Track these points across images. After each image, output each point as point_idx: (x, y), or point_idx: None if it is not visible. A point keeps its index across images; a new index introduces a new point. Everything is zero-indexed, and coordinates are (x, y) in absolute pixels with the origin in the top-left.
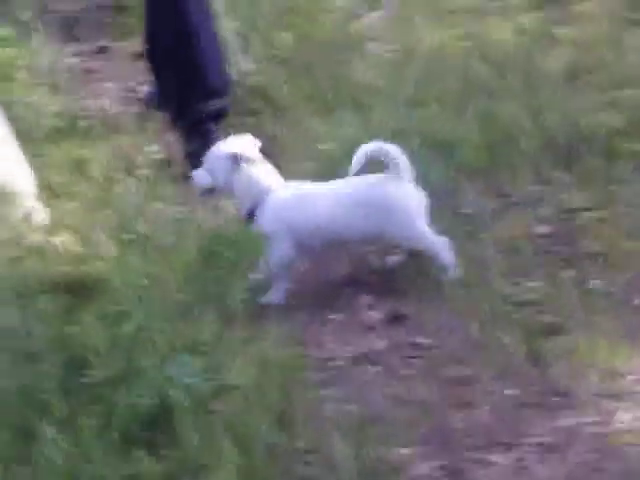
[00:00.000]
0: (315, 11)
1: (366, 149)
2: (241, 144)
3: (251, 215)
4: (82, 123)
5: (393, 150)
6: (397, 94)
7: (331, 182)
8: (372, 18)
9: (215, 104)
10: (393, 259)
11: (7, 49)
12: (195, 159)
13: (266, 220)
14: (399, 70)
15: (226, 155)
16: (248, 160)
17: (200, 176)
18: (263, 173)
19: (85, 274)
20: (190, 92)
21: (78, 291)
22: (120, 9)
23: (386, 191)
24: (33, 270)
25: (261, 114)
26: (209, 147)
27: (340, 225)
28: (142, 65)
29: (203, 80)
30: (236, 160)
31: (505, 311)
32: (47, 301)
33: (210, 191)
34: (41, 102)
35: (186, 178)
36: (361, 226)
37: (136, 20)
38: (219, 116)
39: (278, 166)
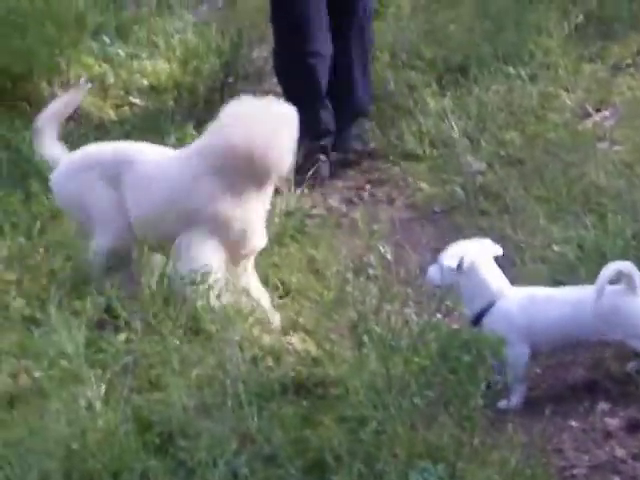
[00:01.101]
0: (544, 110)
1: (615, 268)
2: (475, 247)
3: (479, 318)
4: (310, 222)
5: (635, 272)
6: (633, 196)
7: (564, 288)
8: (601, 117)
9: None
10: (633, 365)
11: None
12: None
13: (497, 324)
14: (632, 170)
15: (455, 257)
16: (475, 264)
17: (432, 274)
18: (492, 277)
19: (322, 376)
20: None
21: (315, 393)
22: None
23: (629, 300)
24: (270, 371)
25: (491, 214)
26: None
27: (580, 331)
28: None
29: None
30: (464, 263)
31: None
32: (285, 403)
33: (442, 289)
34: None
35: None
36: (600, 332)
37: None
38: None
39: (507, 267)
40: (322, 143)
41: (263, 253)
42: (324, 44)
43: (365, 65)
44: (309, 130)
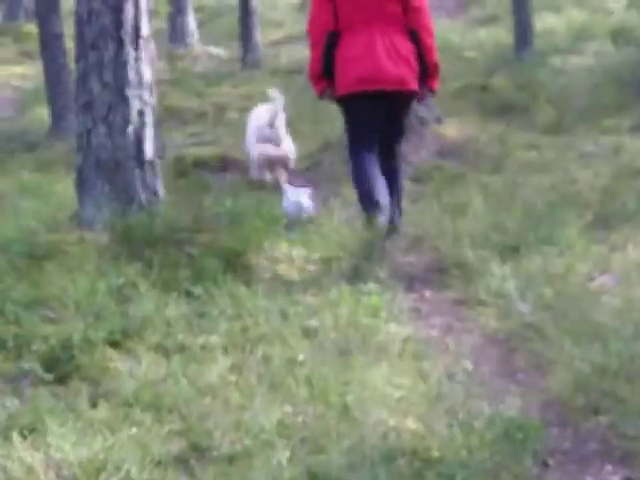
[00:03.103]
0: (567, 275)
1: None
2: None
3: None
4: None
5: None
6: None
7: None
8: (604, 280)
9: None
10: None
11: (372, 297)
12: None
13: None
14: (628, 314)
15: None
16: None
17: None
18: None
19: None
20: None
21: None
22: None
23: None
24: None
25: (534, 340)
26: None
27: None
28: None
29: None
30: None
31: None
32: None
33: None
34: None
35: None
36: None
37: (456, 279)
38: None
39: None
40: None
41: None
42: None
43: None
44: None
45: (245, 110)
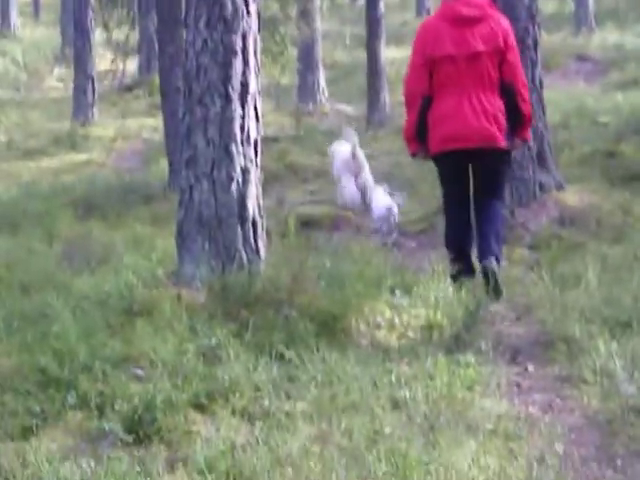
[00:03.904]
0: None
1: None
2: None
3: None
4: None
5: None
6: None
7: None
8: None
9: None
10: None
11: (469, 369)
12: None
13: None
14: None
15: None
16: None
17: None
18: None
19: None
20: None
21: None
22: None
23: None
24: None
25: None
26: None
27: None
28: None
29: None
30: None
31: None
32: None
33: None
34: None
35: None
36: None
37: (561, 354)
38: None
39: None
40: None
41: None
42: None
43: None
44: None
45: None
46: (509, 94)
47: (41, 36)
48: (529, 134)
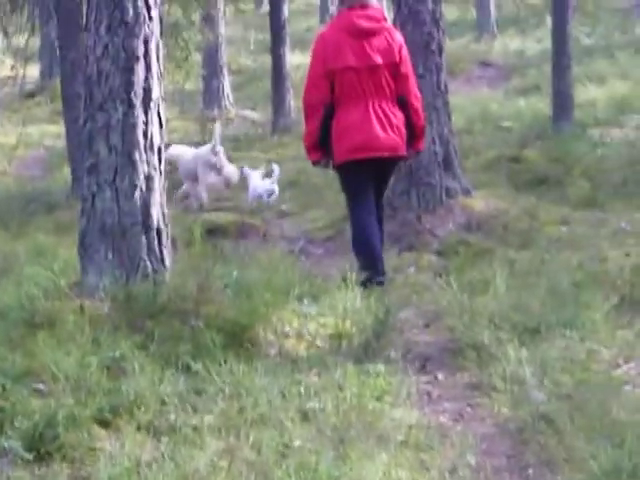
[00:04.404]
0: (589, 362)
1: None
2: None
3: None
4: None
5: None
6: None
7: None
8: (628, 368)
9: None
10: None
11: (379, 379)
12: None
13: None
14: None
15: None
16: None
17: None
18: None
19: None
20: None
21: None
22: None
23: None
24: None
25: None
26: None
27: None
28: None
29: None
30: None
31: None
32: None
33: None
34: None
35: None
36: None
37: (471, 362)
38: None
39: None
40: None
41: None
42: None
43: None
44: None
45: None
46: (403, 106)
47: None
48: (422, 145)
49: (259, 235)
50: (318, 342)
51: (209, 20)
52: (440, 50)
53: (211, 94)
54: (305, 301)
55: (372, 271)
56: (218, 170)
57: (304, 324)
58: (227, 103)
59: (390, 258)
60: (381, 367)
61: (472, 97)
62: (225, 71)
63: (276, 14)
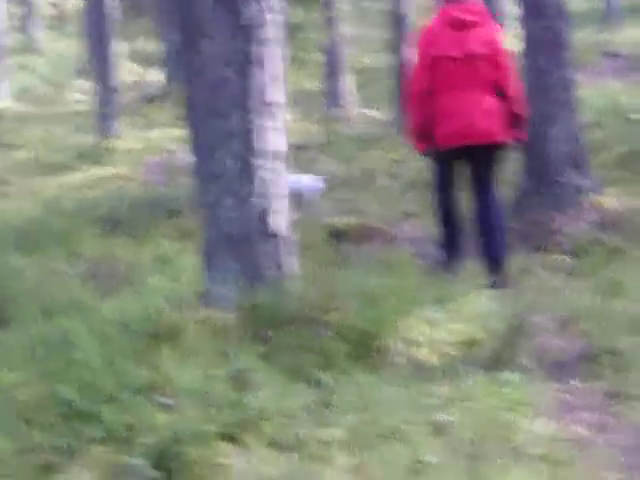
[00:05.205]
0: None
1: None
2: None
3: None
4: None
5: None
6: None
7: None
8: None
9: None
10: None
11: (513, 388)
12: None
13: None
14: None
15: None
16: None
17: None
18: None
19: None
20: None
21: None
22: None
23: None
24: None
25: None
26: None
27: None
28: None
29: None
30: None
31: None
32: None
33: None
34: None
35: None
36: None
37: (608, 369)
38: None
39: None
40: None
41: None
42: None
43: None
44: None
45: (394, 176)
46: (502, 96)
47: (65, 48)
48: (524, 133)
49: (383, 238)
50: (447, 350)
51: (331, 20)
52: (566, 43)
53: (333, 94)
54: (433, 307)
55: (452, 256)
56: None
57: (432, 331)
58: (349, 103)
59: (519, 259)
60: (514, 375)
61: (599, 89)
62: (347, 70)
63: (398, 12)
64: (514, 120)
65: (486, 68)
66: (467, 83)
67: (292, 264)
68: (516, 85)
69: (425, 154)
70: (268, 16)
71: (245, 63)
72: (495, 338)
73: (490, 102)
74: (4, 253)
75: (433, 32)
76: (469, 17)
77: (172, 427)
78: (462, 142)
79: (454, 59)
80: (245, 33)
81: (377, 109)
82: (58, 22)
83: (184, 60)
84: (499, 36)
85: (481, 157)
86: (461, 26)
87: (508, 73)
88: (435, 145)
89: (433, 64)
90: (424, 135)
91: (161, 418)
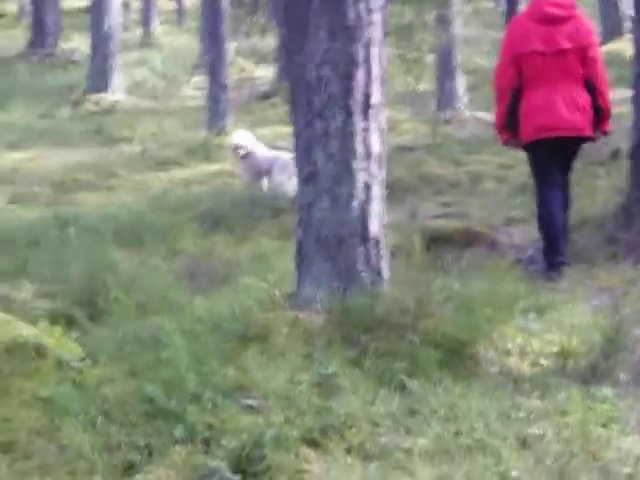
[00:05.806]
0: None
1: None
2: None
3: None
4: None
5: None
6: None
7: None
8: None
9: None
10: None
11: (606, 404)
12: None
13: None
14: None
15: None
16: None
17: None
18: None
19: None
20: None
21: None
22: None
23: None
24: None
25: None
26: None
27: None
28: None
29: None
30: None
31: None
32: None
33: None
34: None
35: None
36: None
37: None
38: None
39: None
40: None
41: None
42: None
43: None
44: None
45: (501, 180)
46: (590, 89)
47: (182, 44)
48: (609, 126)
49: (486, 243)
50: (542, 361)
51: (442, 20)
52: None
53: (445, 95)
54: (530, 316)
55: (554, 253)
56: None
57: (527, 341)
58: (461, 104)
59: (625, 270)
60: (609, 390)
61: None
62: (459, 72)
63: (512, 13)
64: (600, 113)
65: (575, 62)
66: (556, 78)
67: (385, 268)
68: (602, 78)
69: (507, 144)
70: (373, 17)
71: (348, 64)
72: (592, 350)
73: (578, 96)
74: (103, 246)
75: (521, 27)
76: (560, 11)
77: (255, 430)
78: (550, 134)
79: (543, 54)
80: (349, 34)
81: (488, 111)
82: (177, 17)
83: (290, 58)
84: (589, 30)
85: (566, 151)
86: (551, 20)
87: (597, 67)
88: (519, 138)
89: (521, 59)
90: (506, 127)
91: (244, 420)
